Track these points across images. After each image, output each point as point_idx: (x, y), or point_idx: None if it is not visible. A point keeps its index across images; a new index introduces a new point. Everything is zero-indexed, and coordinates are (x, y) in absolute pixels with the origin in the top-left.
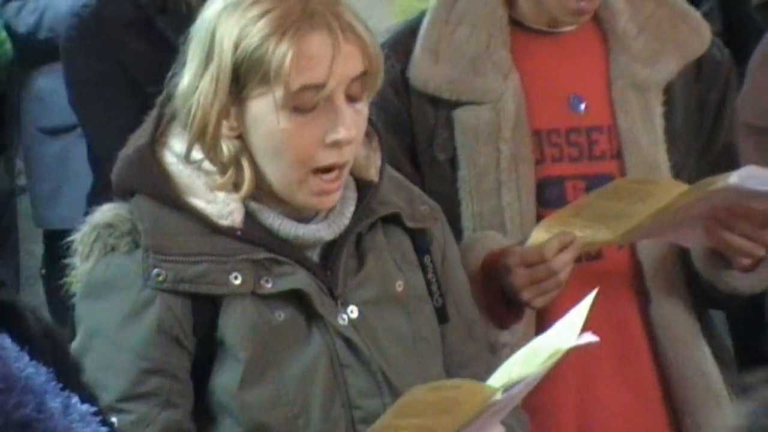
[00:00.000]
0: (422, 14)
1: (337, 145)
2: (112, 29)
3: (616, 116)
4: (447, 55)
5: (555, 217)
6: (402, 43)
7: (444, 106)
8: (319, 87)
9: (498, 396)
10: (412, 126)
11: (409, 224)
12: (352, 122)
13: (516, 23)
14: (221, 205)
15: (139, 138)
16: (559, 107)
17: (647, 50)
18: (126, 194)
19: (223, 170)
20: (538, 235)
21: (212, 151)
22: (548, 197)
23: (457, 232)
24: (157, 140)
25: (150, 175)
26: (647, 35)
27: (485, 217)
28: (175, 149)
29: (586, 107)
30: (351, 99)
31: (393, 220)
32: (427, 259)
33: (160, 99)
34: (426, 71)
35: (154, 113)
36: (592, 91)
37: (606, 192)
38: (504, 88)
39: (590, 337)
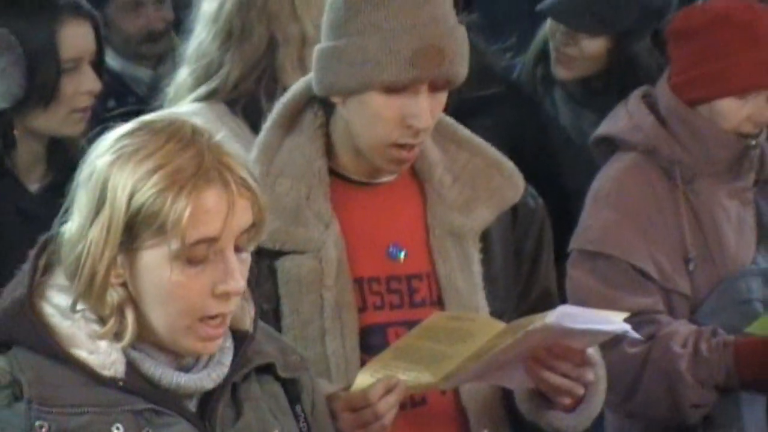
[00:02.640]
0: None
1: (226, 296)
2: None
3: (435, 264)
4: (268, 206)
5: (378, 361)
6: None
7: (267, 256)
8: (213, 240)
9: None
10: None
11: (282, 374)
12: (240, 273)
13: (336, 174)
14: (103, 356)
15: (14, 290)
16: (380, 256)
17: (463, 199)
18: (2, 347)
19: (106, 318)
20: (363, 379)
21: (98, 300)
22: (372, 344)
23: None
24: (33, 292)
25: (30, 328)
26: (462, 184)
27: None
28: (54, 301)
29: (405, 255)
30: (237, 249)
31: (266, 369)
32: (298, 408)
33: (33, 252)
34: None
35: (27, 266)
36: (411, 240)
37: (424, 331)
38: (325, 237)
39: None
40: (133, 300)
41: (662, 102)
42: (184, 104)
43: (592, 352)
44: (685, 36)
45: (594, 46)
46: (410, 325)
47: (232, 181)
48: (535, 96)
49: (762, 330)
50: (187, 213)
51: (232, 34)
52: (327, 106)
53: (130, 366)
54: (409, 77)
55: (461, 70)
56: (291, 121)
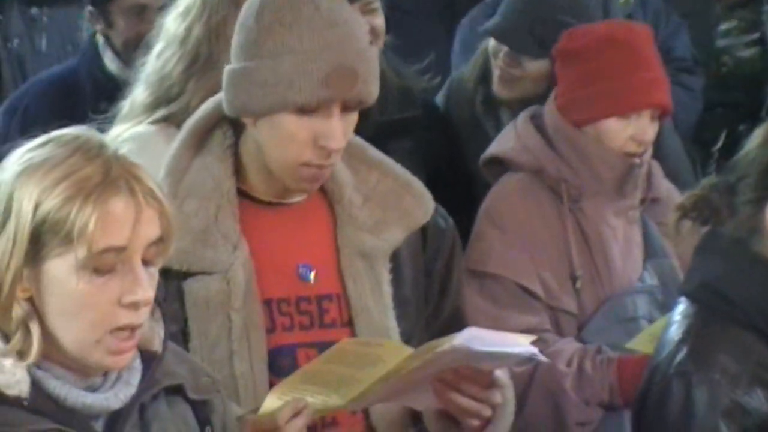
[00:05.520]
0: None
1: (134, 305)
2: None
3: (346, 284)
4: (176, 224)
5: (286, 384)
6: None
7: (174, 277)
8: (120, 249)
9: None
10: None
11: (192, 396)
12: (148, 284)
13: (245, 195)
14: (8, 375)
15: None
16: (289, 276)
17: (372, 219)
18: None
19: (10, 335)
20: (271, 402)
21: (4, 314)
22: (281, 366)
23: None
24: None
25: None
26: (372, 205)
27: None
28: None
29: (315, 276)
30: (145, 263)
31: (175, 390)
32: (208, 430)
33: None
34: None
35: None
36: (321, 261)
37: (333, 356)
38: (233, 258)
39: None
40: (39, 315)
41: (549, 122)
42: (139, 125)
43: (500, 373)
44: (570, 57)
45: (536, 67)
46: (320, 346)
47: (140, 190)
48: (473, 117)
49: (643, 346)
50: (93, 221)
51: (197, 60)
52: (236, 127)
53: (35, 385)
54: (322, 98)
55: (373, 90)
56: (200, 141)
